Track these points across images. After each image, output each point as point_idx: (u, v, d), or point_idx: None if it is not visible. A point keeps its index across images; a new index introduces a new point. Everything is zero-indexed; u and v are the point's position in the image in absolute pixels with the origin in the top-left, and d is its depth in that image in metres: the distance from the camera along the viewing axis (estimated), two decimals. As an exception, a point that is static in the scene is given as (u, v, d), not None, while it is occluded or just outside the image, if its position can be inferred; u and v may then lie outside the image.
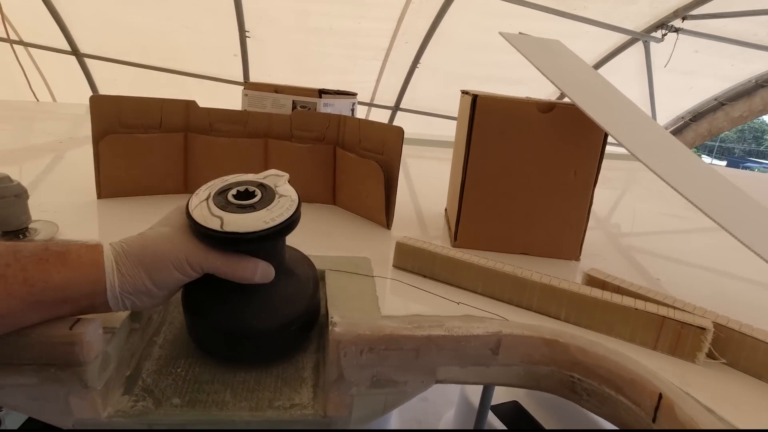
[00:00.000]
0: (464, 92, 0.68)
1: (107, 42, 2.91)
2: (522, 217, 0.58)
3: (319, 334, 0.42)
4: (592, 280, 0.46)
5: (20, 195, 0.46)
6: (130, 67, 3.02)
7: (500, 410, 1.57)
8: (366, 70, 3.16)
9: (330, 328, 0.35)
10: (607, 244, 0.72)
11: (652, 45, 2.65)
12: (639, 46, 2.76)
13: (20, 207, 0.47)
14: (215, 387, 0.36)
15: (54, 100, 2.99)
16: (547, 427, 1.45)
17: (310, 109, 0.72)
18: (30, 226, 0.49)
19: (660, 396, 0.31)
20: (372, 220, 0.66)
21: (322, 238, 0.59)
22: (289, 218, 0.35)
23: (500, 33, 0.69)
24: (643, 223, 0.92)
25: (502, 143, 0.56)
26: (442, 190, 0.76)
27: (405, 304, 0.45)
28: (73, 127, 1.27)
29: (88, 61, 3.02)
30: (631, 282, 0.45)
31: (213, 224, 0.33)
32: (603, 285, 0.45)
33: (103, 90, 3.14)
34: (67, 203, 0.61)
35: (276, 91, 0.72)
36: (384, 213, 0.63)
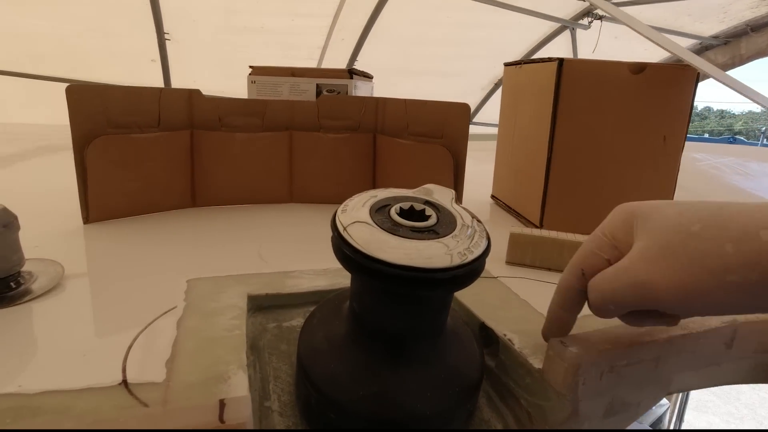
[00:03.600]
0: (514, 63, 0.61)
1: (-9, 52, 2.46)
2: (611, 192, 0.52)
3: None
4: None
5: (9, 225, 0.31)
6: (22, 79, 2.58)
7: None
8: (300, 71, 3.00)
9: (553, 351, 0.26)
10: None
11: (578, 32, 2.81)
12: (566, 35, 2.91)
13: (10, 243, 0.32)
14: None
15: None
16: None
17: (339, 92, 0.61)
18: (23, 269, 0.33)
19: None
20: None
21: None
22: (486, 250, 0.24)
23: None
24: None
25: (591, 112, 0.50)
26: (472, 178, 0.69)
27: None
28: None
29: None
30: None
31: (383, 255, 0.22)
32: None
33: (-9, 109, 2.66)
34: (44, 234, 0.45)
35: (294, 74, 0.60)
36: (450, 205, 0.55)
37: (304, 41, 2.82)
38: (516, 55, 3.04)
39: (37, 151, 0.94)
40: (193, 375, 0.25)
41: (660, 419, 2.72)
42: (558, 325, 0.27)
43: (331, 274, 0.39)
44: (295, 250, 0.46)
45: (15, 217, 0.32)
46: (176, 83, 2.77)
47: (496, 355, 0.31)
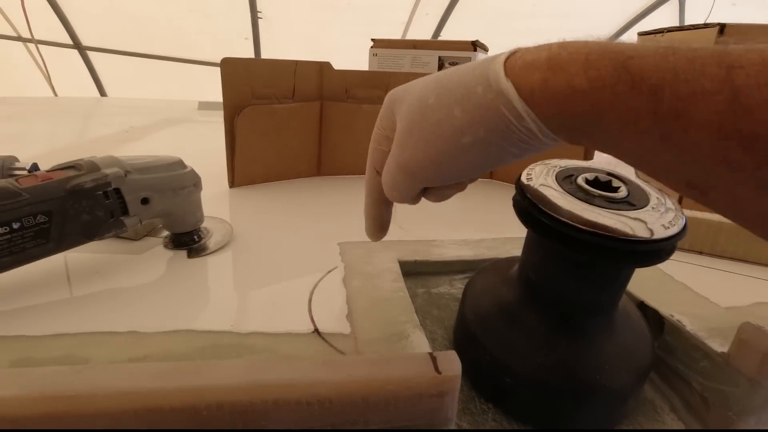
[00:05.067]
0: (650, 33, 0.56)
1: (109, 33, 2.72)
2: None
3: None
4: None
5: (197, 184, 0.35)
6: (134, 58, 2.84)
7: None
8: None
9: (746, 335, 0.24)
10: None
11: (687, 1, 2.52)
12: (672, 4, 2.63)
13: (196, 200, 0.36)
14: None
15: (55, 95, 2.82)
16: None
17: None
18: (202, 225, 0.37)
19: None
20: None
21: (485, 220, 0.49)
22: (684, 227, 0.23)
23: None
24: None
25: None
26: None
27: (720, 293, 0.35)
28: (114, 118, 1.14)
29: (91, 54, 2.83)
30: None
31: (599, 226, 0.22)
32: None
33: (109, 85, 2.96)
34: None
35: (415, 47, 0.61)
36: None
37: (389, 17, 2.81)
38: (613, 28, 2.80)
39: (162, 123, 1.03)
40: (374, 331, 0.27)
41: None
42: (375, 222, 0.28)
43: (472, 245, 0.39)
44: (430, 220, 0.47)
45: (200, 178, 0.35)
46: (265, 61, 2.88)
47: (659, 336, 0.30)
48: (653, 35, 0.56)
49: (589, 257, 0.23)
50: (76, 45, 2.74)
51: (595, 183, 0.25)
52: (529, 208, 0.24)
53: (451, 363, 0.20)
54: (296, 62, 0.53)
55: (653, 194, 0.25)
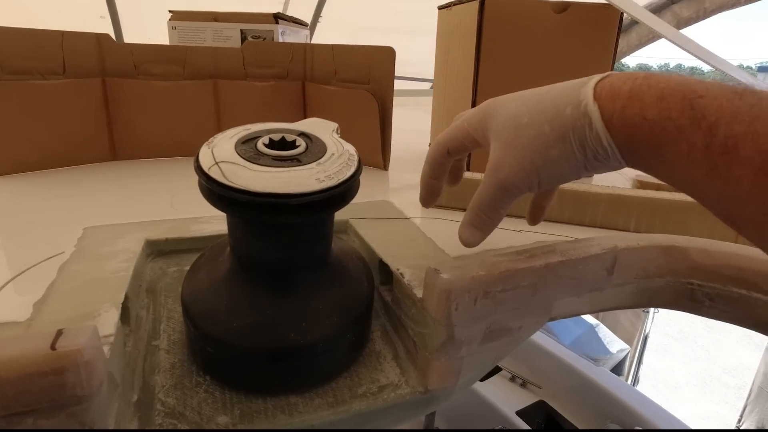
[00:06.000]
0: (445, 6, 0.59)
1: None
2: (537, 136, 0.52)
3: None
4: (644, 185, 0.43)
5: None
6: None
7: (528, 413, 1.58)
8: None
9: (429, 278, 0.26)
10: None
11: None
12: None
13: None
14: (275, 388, 0.26)
15: None
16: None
17: (265, 39, 0.58)
18: None
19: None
20: (363, 163, 0.56)
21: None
22: (351, 177, 0.24)
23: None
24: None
25: (515, 53, 0.49)
26: (411, 129, 0.70)
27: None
28: None
29: None
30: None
31: (239, 182, 0.22)
32: (658, 188, 0.42)
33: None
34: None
35: (216, 20, 0.57)
36: (380, 152, 0.54)
37: (265, -6, 2.68)
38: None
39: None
40: (60, 314, 0.24)
41: (620, 364, 2.87)
42: (430, 191, 0.32)
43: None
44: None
45: None
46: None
47: (392, 289, 0.32)
48: (446, 8, 0.59)
49: (251, 215, 0.23)
50: None
51: (279, 143, 0.25)
52: (196, 170, 0.23)
53: (77, 338, 0.18)
54: (62, 33, 0.47)
55: (335, 150, 0.26)
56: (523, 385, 1.76)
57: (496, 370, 1.83)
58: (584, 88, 0.22)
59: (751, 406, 2.41)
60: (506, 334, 0.28)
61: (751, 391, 2.44)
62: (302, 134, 0.27)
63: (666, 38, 0.45)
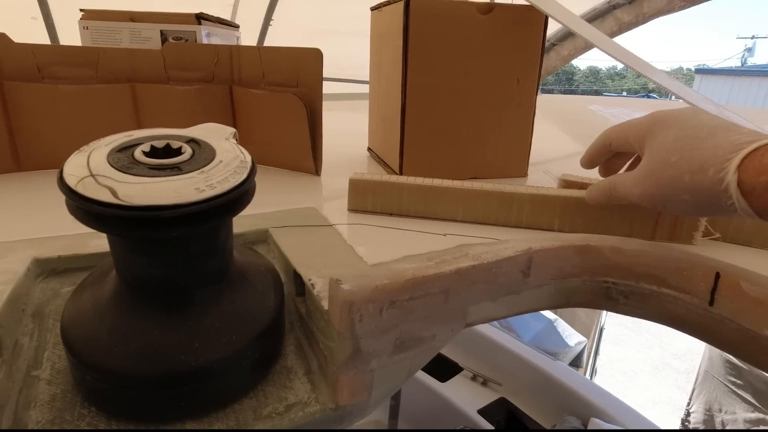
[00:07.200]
0: (377, 7, 0.58)
1: None
2: (469, 136, 0.52)
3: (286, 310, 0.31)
4: (570, 184, 0.43)
5: None
6: None
7: (489, 411, 1.58)
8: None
9: (331, 290, 0.25)
10: (545, 156, 0.70)
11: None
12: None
13: None
14: (168, 416, 0.24)
15: None
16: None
17: (187, 40, 0.55)
18: None
19: (717, 275, 0.28)
20: (294, 168, 0.54)
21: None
22: (238, 185, 0.22)
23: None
24: (555, 139, 0.95)
25: (442, 54, 0.48)
26: (355, 132, 0.69)
27: (385, 250, 0.37)
28: None
29: None
30: (607, 179, 0.43)
31: (102, 195, 0.19)
32: (582, 187, 0.42)
33: None
34: None
35: (133, 20, 0.54)
36: (311, 157, 0.52)
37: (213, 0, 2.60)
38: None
39: None
40: None
41: (579, 356, 2.96)
42: (588, 161, 0.38)
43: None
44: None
45: None
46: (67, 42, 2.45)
47: (305, 300, 0.30)
48: (378, 9, 0.58)
49: (117, 233, 0.21)
50: None
51: (159, 151, 0.23)
52: (58, 181, 0.21)
53: None
54: (-50, 33, 0.43)
55: (225, 157, 0.24)
56: (484, 383, 1.78)
57: (458, 369, 1.85)
58: (736, 155, 0.25)
59: (698, 389, 2.53)
60: (419, 343, 0.27)
61: (698, 375, 2.57)
62: (191, 140, 0.25)
63: (585, 37, 0.46)
